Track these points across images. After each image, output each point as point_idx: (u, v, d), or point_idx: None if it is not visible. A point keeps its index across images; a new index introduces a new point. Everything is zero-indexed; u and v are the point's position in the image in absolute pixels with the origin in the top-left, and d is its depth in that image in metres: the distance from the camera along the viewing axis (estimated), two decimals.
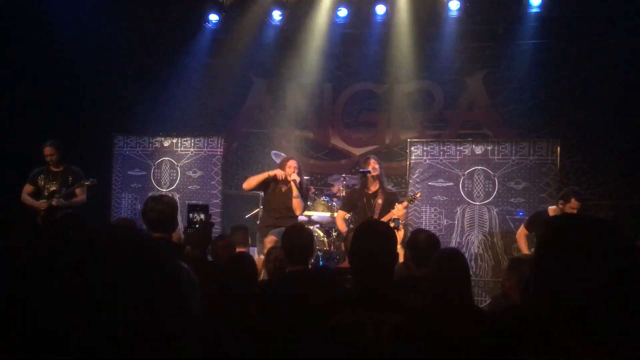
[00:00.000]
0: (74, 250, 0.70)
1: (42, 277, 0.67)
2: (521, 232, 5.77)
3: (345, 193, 6.56)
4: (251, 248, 5.61)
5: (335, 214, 6.89)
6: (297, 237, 3.34)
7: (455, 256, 2.65)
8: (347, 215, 6.01)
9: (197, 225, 2.63)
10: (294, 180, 5.56)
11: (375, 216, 5.52)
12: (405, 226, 5.78)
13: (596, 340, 1.08)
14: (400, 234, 5.21)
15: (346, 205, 5.91)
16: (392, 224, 4.93)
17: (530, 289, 2.35)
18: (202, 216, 2.65)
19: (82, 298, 0.65)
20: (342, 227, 5.84)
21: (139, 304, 0.66)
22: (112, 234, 0.74)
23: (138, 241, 0.72)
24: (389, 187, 6.09)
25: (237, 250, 4.26)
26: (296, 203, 5.53)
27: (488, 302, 6.19)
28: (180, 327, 0.70)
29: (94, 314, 0.64)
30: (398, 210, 5.40)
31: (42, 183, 6.13)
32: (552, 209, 5.52)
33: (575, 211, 5.29)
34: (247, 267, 2.82)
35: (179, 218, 4.95)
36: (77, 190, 6.13)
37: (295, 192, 5.53)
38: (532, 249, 5.56)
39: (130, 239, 0.73)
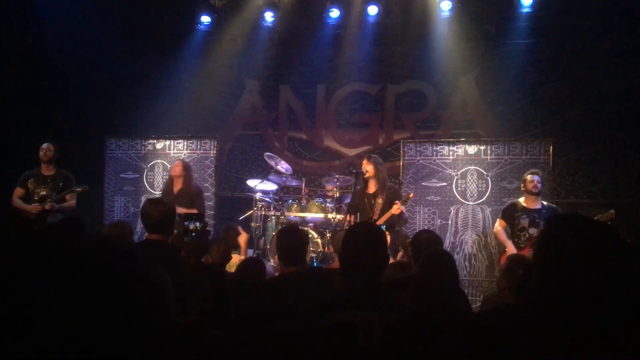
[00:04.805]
0: (58, 256, 0.71)
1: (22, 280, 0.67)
2: (499, 226, 5.82)
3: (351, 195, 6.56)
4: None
5: (337, 217, 6.83)
6: (288, 236, 3.29)
7: (441, 257, 2.64)
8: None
9: (193, 234, 2.63)
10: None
11: (375, 216, 5.50)
12: (397, 230, 5.73)
13: (591, 339, 1.08)
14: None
15: (351, 208, 5.84)
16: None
17: (524, 288, 2.35)
18: (198, 224, 2.65)
19: (57, 301, 0.65)
20: None
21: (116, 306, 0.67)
22: (97, 242, 0.74)
23: (119, 249, 0.72)
24: (390, 184, 6.05)
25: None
26: None
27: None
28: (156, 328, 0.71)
29: (70, 315, 0.64)
30: (393, 209, 5.41)
31: (32, 187, 6.04)
32: (521, 199, 5.77)
33: (534, 185, 5.57)
34: (256, 275, 2.81)
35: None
36: (67, 196, 6.06)
37: None
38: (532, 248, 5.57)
39: (113, 247, 0.73)
